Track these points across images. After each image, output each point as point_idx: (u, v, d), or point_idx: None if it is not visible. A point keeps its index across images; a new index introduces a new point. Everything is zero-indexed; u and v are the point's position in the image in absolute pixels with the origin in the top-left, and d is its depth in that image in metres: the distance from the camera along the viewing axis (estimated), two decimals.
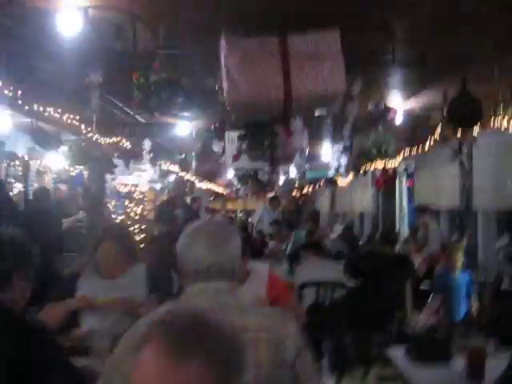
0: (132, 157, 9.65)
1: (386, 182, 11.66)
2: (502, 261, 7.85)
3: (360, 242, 10.32)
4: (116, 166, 8.44)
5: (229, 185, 21.51)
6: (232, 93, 4.21)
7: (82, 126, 7.29)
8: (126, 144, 8.84)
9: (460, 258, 6.06)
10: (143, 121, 9.10)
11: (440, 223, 9.72)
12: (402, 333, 3.05)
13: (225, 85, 4.23)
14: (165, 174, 13.09)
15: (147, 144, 9.73)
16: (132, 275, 3.22)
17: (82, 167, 9.44)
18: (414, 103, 8.22)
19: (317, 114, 6.02)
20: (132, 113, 7.55)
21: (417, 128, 8.98)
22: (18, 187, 8.92)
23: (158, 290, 3.03)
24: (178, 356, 0.96)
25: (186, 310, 1.07)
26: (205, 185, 18.75)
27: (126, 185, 13.09)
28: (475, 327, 2.72)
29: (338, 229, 12.14)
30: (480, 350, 2.49)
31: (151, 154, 10.39)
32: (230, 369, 1.01)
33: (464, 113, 6.70)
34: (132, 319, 1.94)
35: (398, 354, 2.96)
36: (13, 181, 8.73)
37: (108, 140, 8.22)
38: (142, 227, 11.95)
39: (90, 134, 7.50)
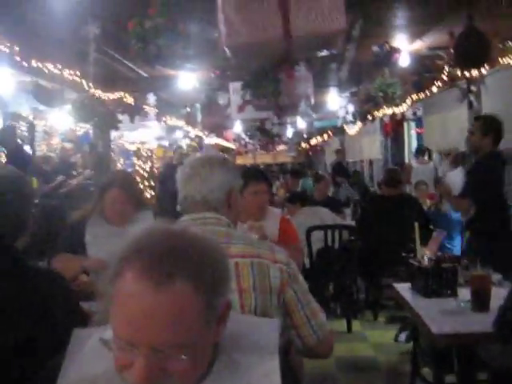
0: (137, 112, 9.57)
1: (394, 127, 11.52)
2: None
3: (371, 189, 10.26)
4: (120, 122, 8.37)
5: (237, 139, 21.42)
6: (231, 36, 4.12)
7: (84, 83, 7.21)
8: (130, 99, 8.76)
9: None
10: (145, 75, 8.99)
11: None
12: (410, 271, 3.02)
13: (223, 28, 4.13)
14: (171, 129, 13.01)
15: (152, 98, 9.63)
16: (140, 222, 3.19)
17: (88, 126, 9.38)
18: (419, 44, 8.01)
19: (320, 55, 5.87)
20: (133, 67, 7.45)
21: (423, 70, 8.78)
22: (25, 148, 8.88)
23: None
24: (158, 278, 0.91)
25: (167, 231, 1.00)
26: (212, 140, 18.67)
27: (133, 142, 13.06)
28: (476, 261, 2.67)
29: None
30: (483, 277, 2.47)
31: (156, 109, 10.32)
32: (215, 292, 0.96)
33: (471, 50, 6.51)
34: None
35: (405, 288, 2.96)
36: (19, 142, 8.66)
37: (111, 96, 8.13)
38: (152, 184, 11.99)
39: (93, 91, 7.42)
